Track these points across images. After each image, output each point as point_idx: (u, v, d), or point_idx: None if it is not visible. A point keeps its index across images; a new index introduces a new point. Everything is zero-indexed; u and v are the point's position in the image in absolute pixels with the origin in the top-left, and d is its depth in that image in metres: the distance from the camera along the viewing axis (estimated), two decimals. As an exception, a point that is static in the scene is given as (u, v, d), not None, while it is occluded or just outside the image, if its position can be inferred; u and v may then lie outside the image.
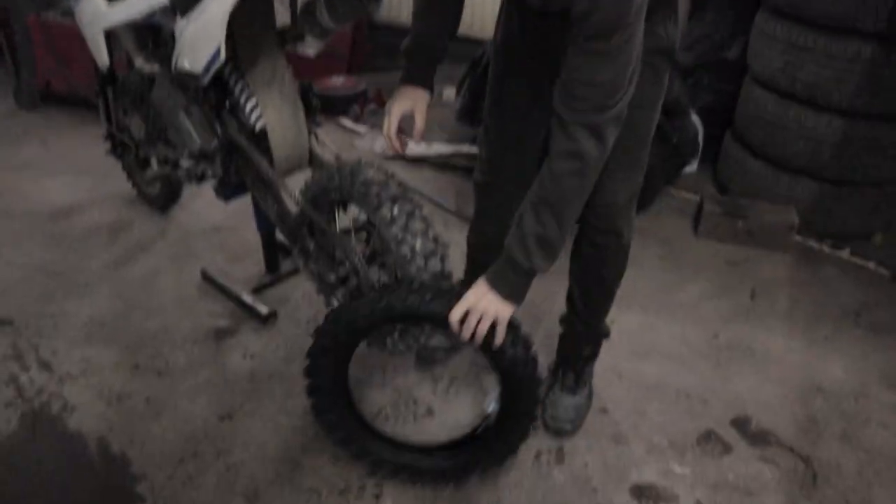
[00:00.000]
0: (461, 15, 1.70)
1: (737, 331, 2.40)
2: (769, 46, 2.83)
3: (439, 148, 3.42)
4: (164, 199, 2.84)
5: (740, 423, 2.02)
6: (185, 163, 2.18)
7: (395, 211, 1.62)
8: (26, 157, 3.33)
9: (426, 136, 3.49)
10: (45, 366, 2.10)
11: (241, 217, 2.79)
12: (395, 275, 1.71)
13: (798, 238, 2.89)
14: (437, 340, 2.13)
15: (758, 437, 1.98)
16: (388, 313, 1.57)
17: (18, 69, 3.80)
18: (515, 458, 1.85)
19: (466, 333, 1.47)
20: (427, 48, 1.68)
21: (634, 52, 1.30)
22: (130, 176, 2.90)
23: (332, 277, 1.77)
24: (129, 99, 2.47)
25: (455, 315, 1.47)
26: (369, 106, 3.94)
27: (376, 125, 3.79)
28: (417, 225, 1.61)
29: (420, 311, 1.55)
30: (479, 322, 1.47)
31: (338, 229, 1.85)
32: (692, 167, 3.32)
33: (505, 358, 1.55)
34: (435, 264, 1.63)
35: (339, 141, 3.67)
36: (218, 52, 1.72)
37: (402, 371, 2.13)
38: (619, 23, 1.25)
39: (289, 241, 1.91)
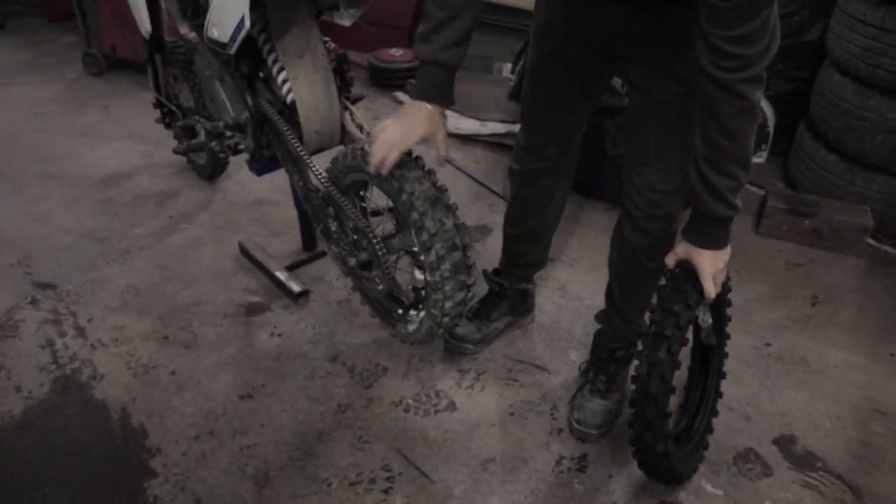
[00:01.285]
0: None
1: (792, 340, 2.23)
2: (851, 28, 2.58)
3: (493, 127, 3.32)
4: (212, 169, 2.84)
5: (784, 443, 1.88)
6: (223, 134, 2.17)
7: (409, 188, 1.54)
8: (87, 123, 3.40)
9: (480, 114, 3.40)
10: (81, 332, 2.13)
11: (285, 191, 2.77)
12: (417, 259, 1.64)
13: (871, 241, 2.66)
14: (466, 329, 2.06)
15: (803, 460, 1.83)
16: None
17: (88, 35, 3.89)
18: (535, 462, 1.77)
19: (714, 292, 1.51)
20: (448, 63, 1.49)
21: None
22: (180, 144, 2.91)
23: (352, 262, 1.71)
24: (178, 66, 2.47)
25: (710, 291, 1.49)
26: (427, 81, 3.85)
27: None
28: (427, 189, 1.53)
29: None
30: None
31: (361, 210, 1.79)
32: (760, 157, 3.11)
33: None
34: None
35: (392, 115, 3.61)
36: (242, 22, 1.67)
37: (427, 361, 2.06)
38: None
39: (313, 221, 1.86)
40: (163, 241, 2.56)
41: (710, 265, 1.48)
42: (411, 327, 1.79)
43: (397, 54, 3.87)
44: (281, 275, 2.31)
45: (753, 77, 1.26)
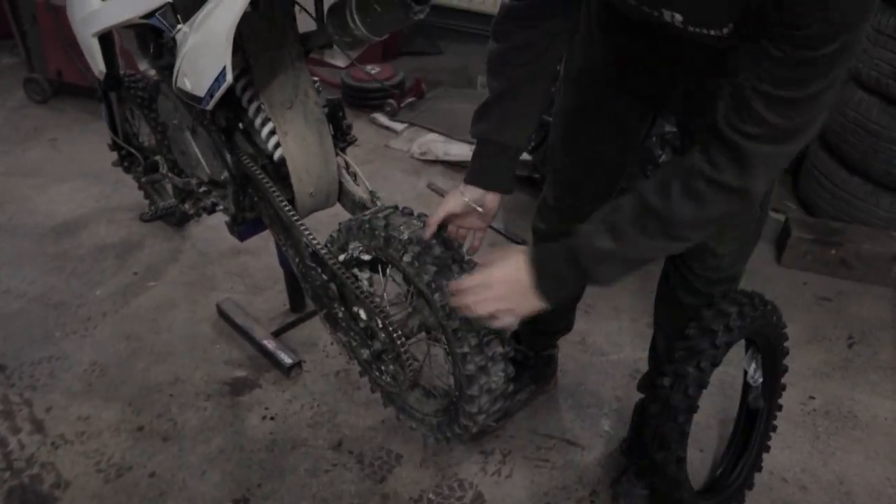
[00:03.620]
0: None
1: (835, 391, 2.05)
2: (878, 42, 2.41)
3: (484, 151, 3.07)
4: (179, 216, 2.54)
5: (849, 519, 1.69)
6: (196, 192, 1.89)
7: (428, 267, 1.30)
8: (34, 160, 3.05)
9: (468, 137, 3.15)
10: (38, 426, 1.83)
11: (265, 238, 2.48)
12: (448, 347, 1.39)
13: (900, 270, 2.51)
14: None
15: (874, 542, 1.65)
16: None
17: (30, 58, 3.52)
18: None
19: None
20: (506, 144, 1.28)
21: (844, 68, 0.91)
22: (142, 187, 2.60)
23: (365, 354, 1.45)
24: (136, 103, 2.17)
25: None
26: (407, 99, 3.58)
27: (414, 122, 3.44)
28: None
29: None
30: None
31: (369, 290, 1.53)
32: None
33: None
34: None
35: (372, 141, 3.34)
36: (223, 74, 1.40)
37: (445, 444, 1.82)
38: (845, 23, 0.84)
39: (313, 303, 1.59)
40: (128, 303, 2.26)
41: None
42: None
43: (373, 72, 3.59)
44: (269, 344, 2.03)
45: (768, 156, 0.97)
